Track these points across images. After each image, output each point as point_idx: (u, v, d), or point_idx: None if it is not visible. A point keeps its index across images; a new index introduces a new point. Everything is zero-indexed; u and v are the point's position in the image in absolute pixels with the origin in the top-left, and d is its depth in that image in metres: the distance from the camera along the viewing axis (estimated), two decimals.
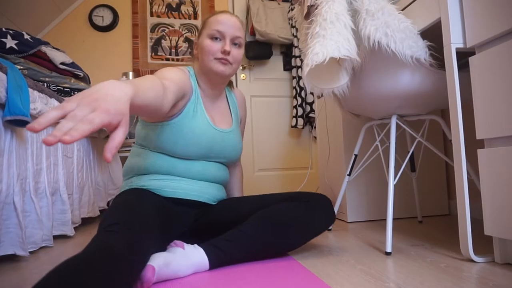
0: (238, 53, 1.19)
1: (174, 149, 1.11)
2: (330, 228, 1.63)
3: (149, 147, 1.16)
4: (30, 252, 1.23)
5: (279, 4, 3.08)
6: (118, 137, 0.54)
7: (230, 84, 1.39)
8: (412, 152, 1.63)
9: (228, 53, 1.15)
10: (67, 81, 1.84)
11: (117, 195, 1.14)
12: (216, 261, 1.00)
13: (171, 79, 1.01)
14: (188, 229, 1.07)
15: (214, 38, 1.16)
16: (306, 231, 1.11)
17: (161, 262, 0.89)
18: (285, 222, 1.08)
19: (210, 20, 1.19)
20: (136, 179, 1.15)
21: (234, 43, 1.18)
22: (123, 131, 0.55)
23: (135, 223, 0.86)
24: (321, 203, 1.15)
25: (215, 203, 1.21)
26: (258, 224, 1.06)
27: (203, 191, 1.17)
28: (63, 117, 0.51)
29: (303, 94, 2.96)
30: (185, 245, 0.99)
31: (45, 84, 1.71)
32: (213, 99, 1.26)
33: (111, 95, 0.55)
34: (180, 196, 1.13)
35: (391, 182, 1.22)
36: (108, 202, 2.39)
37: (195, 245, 1.01)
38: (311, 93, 2.90)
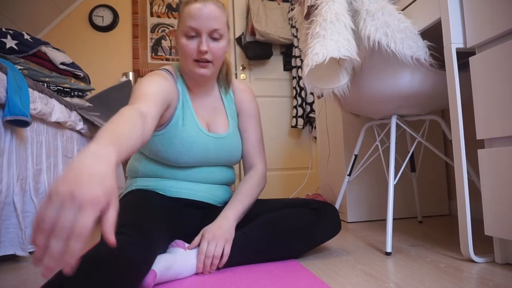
0: (217, 47, 1.05)
1: (167, 159, 1.08)
2: None
3: (145, 153, 1.13)
4: (31, 253, 1.23)
5: (279, 4, 3.08)
6: (111, 217, 0.47)
7: (228, 77, 1.24)
8: (412, 152, 1.63)
9: (206, 52, 1.03)
10: (67, 81, 1.84)
11: (122, 195, 1.12)
12: None
13: (151, 97, 0.91)
14: (193, 230, 1.06)
15: (189, 36, 1.03)
16: (310, 239, 1.10)
17: (163, 266, 0.88)
18: (290, 228, 1.07)
19: (184, 11, 1.05)
20: (140, 180, 1.13)
21: (212, 37, 1.04)
22: (113, 209, 0.48)
23: (148, 228, 0.84)
24: (329, 213, 1.14)
25: (221, 205, 1.18)
26: (263, 227, 1.06)
27: (209, 192, 1.14)
28: (51, 233, 0.43)
29: (303, 94, 2.96)
30: (186, 245, 0.99)
31: (45, 84, 1.71)
32: (203, 96, 1.17)
33: (94, 174, 0.46)
34: (186, 196, 1.11)
35: (391, 182, 1.22)
36: None
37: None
38: (311, 93, 2.90)
